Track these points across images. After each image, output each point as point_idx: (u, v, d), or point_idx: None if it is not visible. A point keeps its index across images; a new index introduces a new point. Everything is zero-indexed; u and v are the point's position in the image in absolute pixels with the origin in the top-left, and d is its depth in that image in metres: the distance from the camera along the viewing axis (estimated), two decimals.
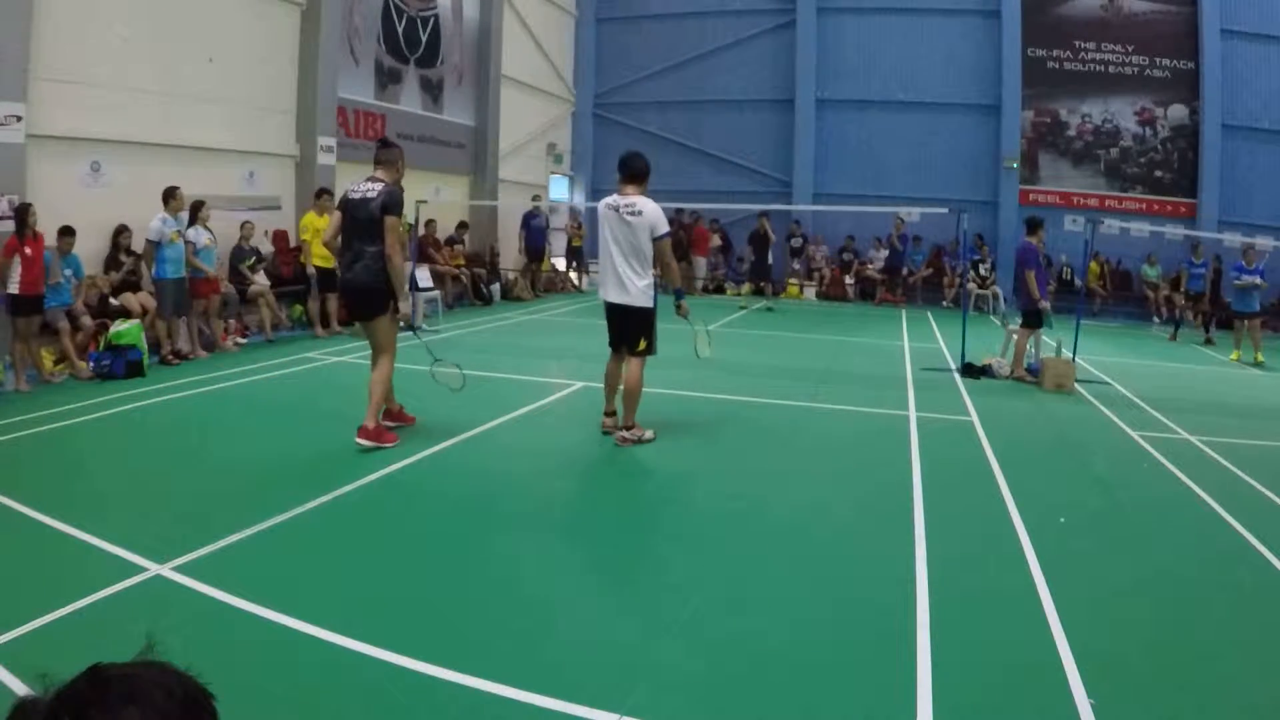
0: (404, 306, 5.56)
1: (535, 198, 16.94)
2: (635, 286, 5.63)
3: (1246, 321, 11.35)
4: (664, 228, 5.60)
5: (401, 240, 11.03)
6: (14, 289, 6.89)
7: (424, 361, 6.26)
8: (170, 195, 8.20)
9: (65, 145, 8.13)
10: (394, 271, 5.41)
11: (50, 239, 7.31)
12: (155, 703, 0.80)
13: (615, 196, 5.72)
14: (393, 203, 5.37)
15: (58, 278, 7.38)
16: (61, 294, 7.48)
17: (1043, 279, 9.00)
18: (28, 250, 6.93)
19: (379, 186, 5.43)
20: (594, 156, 19.80)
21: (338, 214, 5.65)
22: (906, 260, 17.11)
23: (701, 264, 17.52)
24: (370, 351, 5.79)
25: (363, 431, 5.38)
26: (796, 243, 17.84)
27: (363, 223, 5.40)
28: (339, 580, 3.59)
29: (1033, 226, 8.95)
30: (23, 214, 6.95)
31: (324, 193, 10.38)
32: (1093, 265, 15.45)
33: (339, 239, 5.60)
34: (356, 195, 5.46)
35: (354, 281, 5.51)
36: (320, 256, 9.80)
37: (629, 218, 5.58)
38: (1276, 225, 15.05)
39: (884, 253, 17.19)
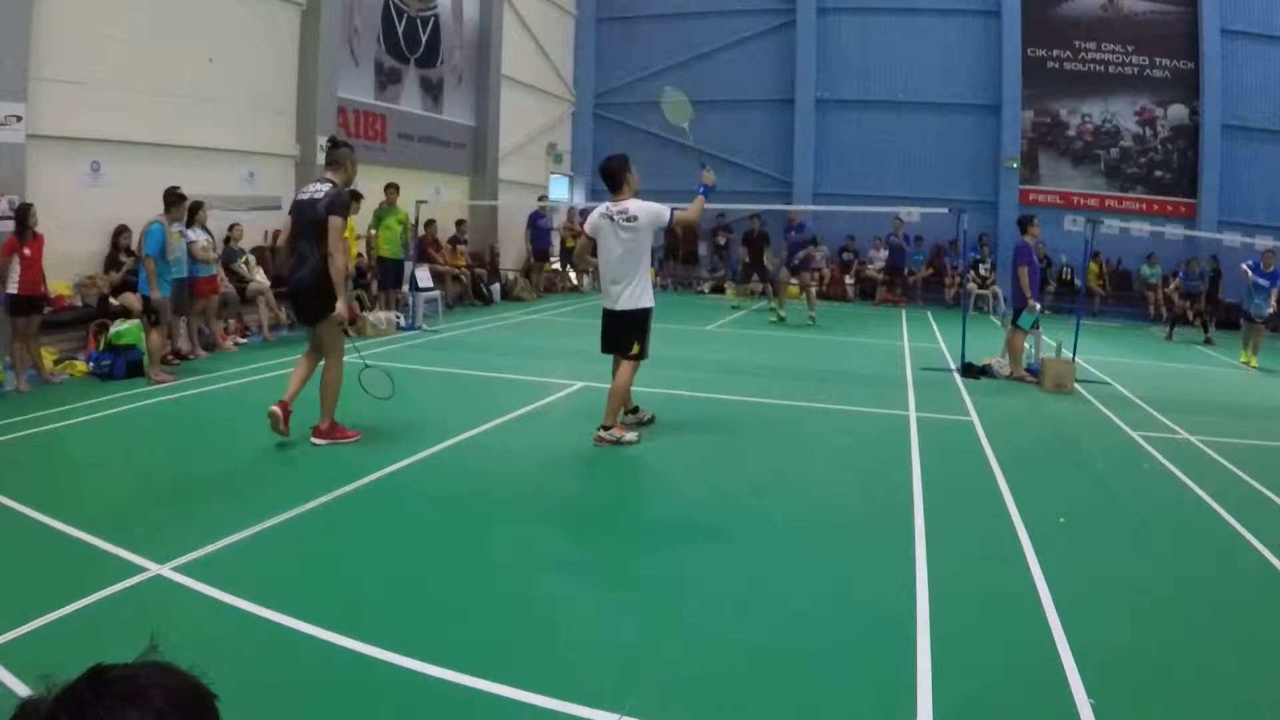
0: (341, 308, 5.35)
1: (541, 199, 16.94)
2: (628, 291, 5.71)
3: (1253, 325, 11.15)
4: (666, 215, 5.68)
5: (393, 241, 11.12)
6: (13, 289, 6.89)
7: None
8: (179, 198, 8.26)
9: (65, 145, 8.13)
10: (335, 272, 5.29)
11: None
12: (154, 704, 0.80)
13: (607, 205, 5.77)
14: (338, 204, 5.28)
15: (177, 254, 7.43)
16: (172, 270, 7.43)
17: (1036, 278, 8.95)
18: (27, 251, 6.93)
19: (326, 188, 5.36)
20: (594, 156, 19.77)
21: (289, 218, 5.56)
22: (908, 260, 17.11)
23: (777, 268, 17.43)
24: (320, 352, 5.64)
25: (316, 431, 5.40)
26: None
27: (309, 225, 5.32)
28: (339, 580, 3.60)
29: (1024, 224, 8.94)
30: (23, 214, 6.95)
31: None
32: (1092, 265, 15.49)
33: (289, 243, 5.52)
34: (305, 197, 5.43)
35: (299, 284, 5.44)
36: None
37: (625, 224, 5.65)
38: (1276, 225, 15.05)
39: (884, 252, 17.20)
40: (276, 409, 5.28)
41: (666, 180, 16.94)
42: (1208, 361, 11.54)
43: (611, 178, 5.74)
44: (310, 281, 5.33)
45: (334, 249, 5.25)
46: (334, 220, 5.24)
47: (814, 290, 13.14)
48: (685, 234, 17.99)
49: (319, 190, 5.36)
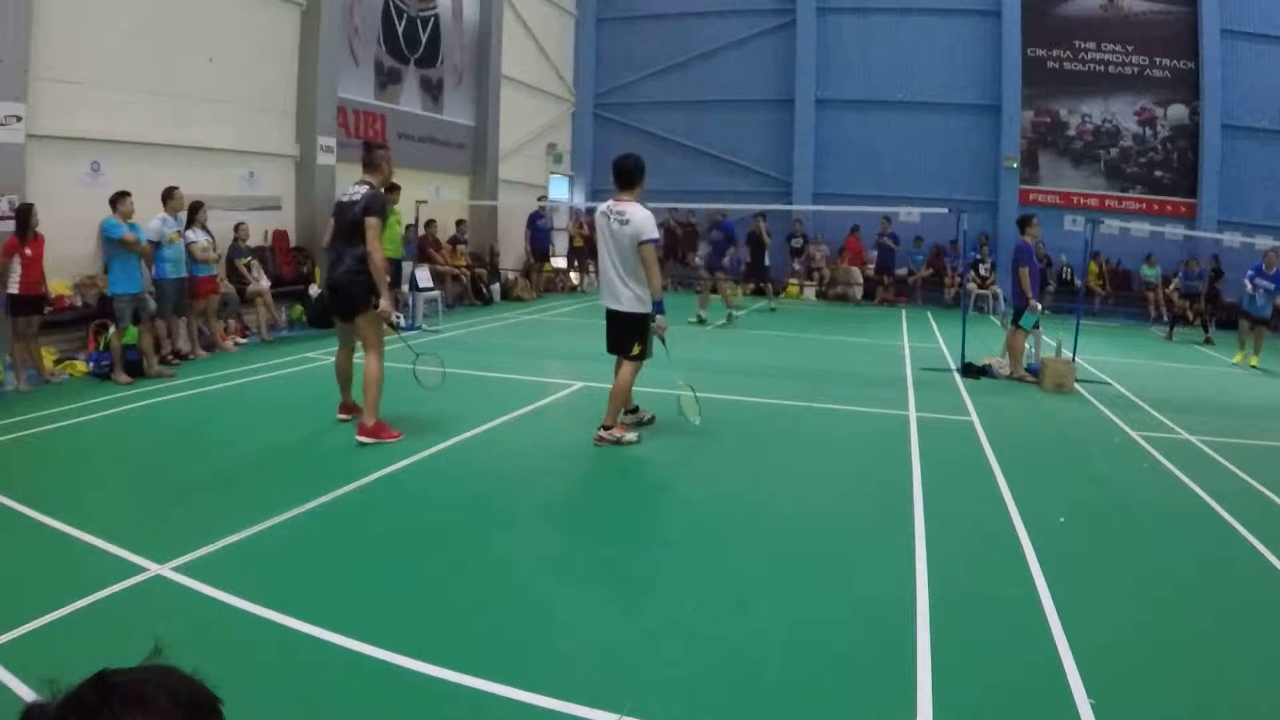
0: (384, 304, 5.59)
1: (541, 199, 16.97)
2: (629, 293, 5.69)
3: (1255, 326, 11.00)
4: (649, 234, 5.54)
5: (394, 240, 11.17)
6: (14, 289, 6.90)
7: (409, 361, 6.27)
8: (169, 195, 8.22)
9: (65, 145, 8.13)
10: (374, 268, 5.53)
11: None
12: (160, 708, 0.80)
13: (610, 202, 5.77)
14: (374, 206, 5.55)
15: (125, 238, 7.36)
16: (133, 272, 7.45)
17: (1036, 278, 8.94)
18: (28, 251, 6.94)
19: (364, 190, 5.63)
20: (594, 156, 19.81)
21: (331, 220, 5.92)
22: (907, 260, 17.10)
23: (855, 273, 17.05)
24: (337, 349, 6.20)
25: (362, 429, 5.53)
26: (797, 243, 17.85)
27: (348, 225, 5.59)
28: (339, 580, 3.60)
29: (1023, 224, 8.94)
30: (24, 214, 6.95)
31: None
32: (1092, 265, 15.49)
33: (331, 244, 5.86)
34: (345, 199, 5.71)
35: (337, 281, 5.67)
36: None
37: (617, 225, 5.62)
38: (1276, 225, 15.05)
39: (874, 253, 17.19)
40: (344, 415, 5.95)
41: (665, 180, 16.99)
42: (1208, 361, 11.54)
43: (628, 175, 5.68)
44: (346, 279, 5.58)
45: (372, 248, 5.49)
46: (370, 220, 5.49)
47: (727, 291, 13.02)
48: (684, 234, 18.04)
49: (357, 193, 5.63)
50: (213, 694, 0.87)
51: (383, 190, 5.74)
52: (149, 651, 0.91)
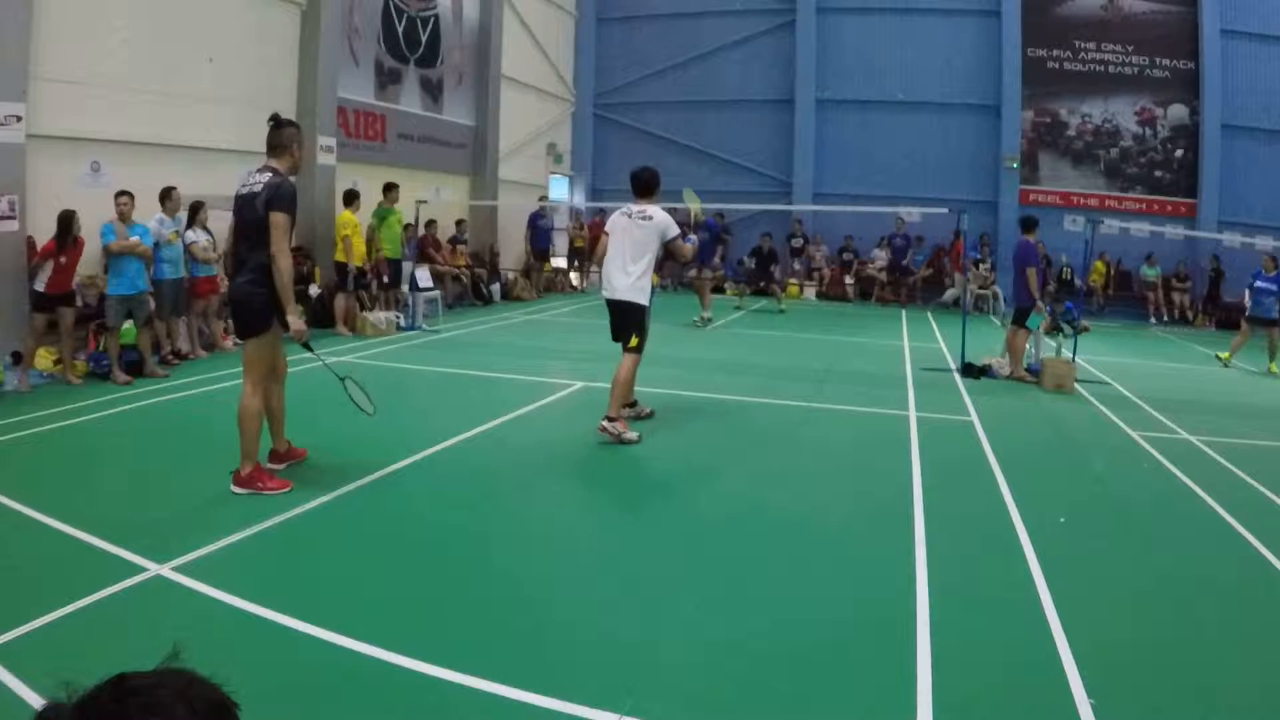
0: (295, 322, 4.59)
1: (541, 198, 16.98)
2: (626, 281, 6.00)
3: (1267, 329, 10.77)
4: (675, 230, 6.11)
5: (394, 240, 11.16)
6: (41, 287, 7.00)
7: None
8: (167, 195, 8.22)
9: (65, 145, 8.13)
10: (279, 276, 4.43)
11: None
12: (176, 715, 0.80)
13: (629, 205, 6.23)
14: (279, 197, 4.41)
15: (132, 245, 7.37)
16: (128, 274, 7.44)
17: (1039, 278, 8.97)
18: (63, 259, 7.06)
19: (265, 178, 4.49)
20: (594, 156, 19.82)
21: (233, 217, 4.78)
22: (908, 259, 17.09)
23: (957, 277, 16.33)
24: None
25: (236, 477, 4.56)
26: (797, 243, 17.86)
27: (249, 224, 4.50)
28: (339, 580, 3.59)
29: (1029, 225, 8.95)
30: (65, 223, 7.03)
31: (355, 195, 10.76)
32: (1098, 264, 15.48)
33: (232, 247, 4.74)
34: (244, 191, 4.55)
35: (234, 292, 4.67)
36: (359, 255, 10.61)
37: (641, 222, 6.07)
38: (1276, 225, 15.05)
39: (887, 252, 17.10)
40: (273, 465, 4.85)
41: (665, 180, 16.93)
42: (1208, 361, 11.53)
43: (645, 185, 6.21)
44: (243, 291, 4.57)
45: (277, 250, 4.41)
46: (276, 217, 4.39)
47: (707, 288, 12.87)
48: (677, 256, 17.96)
49: (258, 182, 4.50)
50: (230, 700, 0.87)
51: (291, 178, 4.60)
52: (168, 654, 0.90)
